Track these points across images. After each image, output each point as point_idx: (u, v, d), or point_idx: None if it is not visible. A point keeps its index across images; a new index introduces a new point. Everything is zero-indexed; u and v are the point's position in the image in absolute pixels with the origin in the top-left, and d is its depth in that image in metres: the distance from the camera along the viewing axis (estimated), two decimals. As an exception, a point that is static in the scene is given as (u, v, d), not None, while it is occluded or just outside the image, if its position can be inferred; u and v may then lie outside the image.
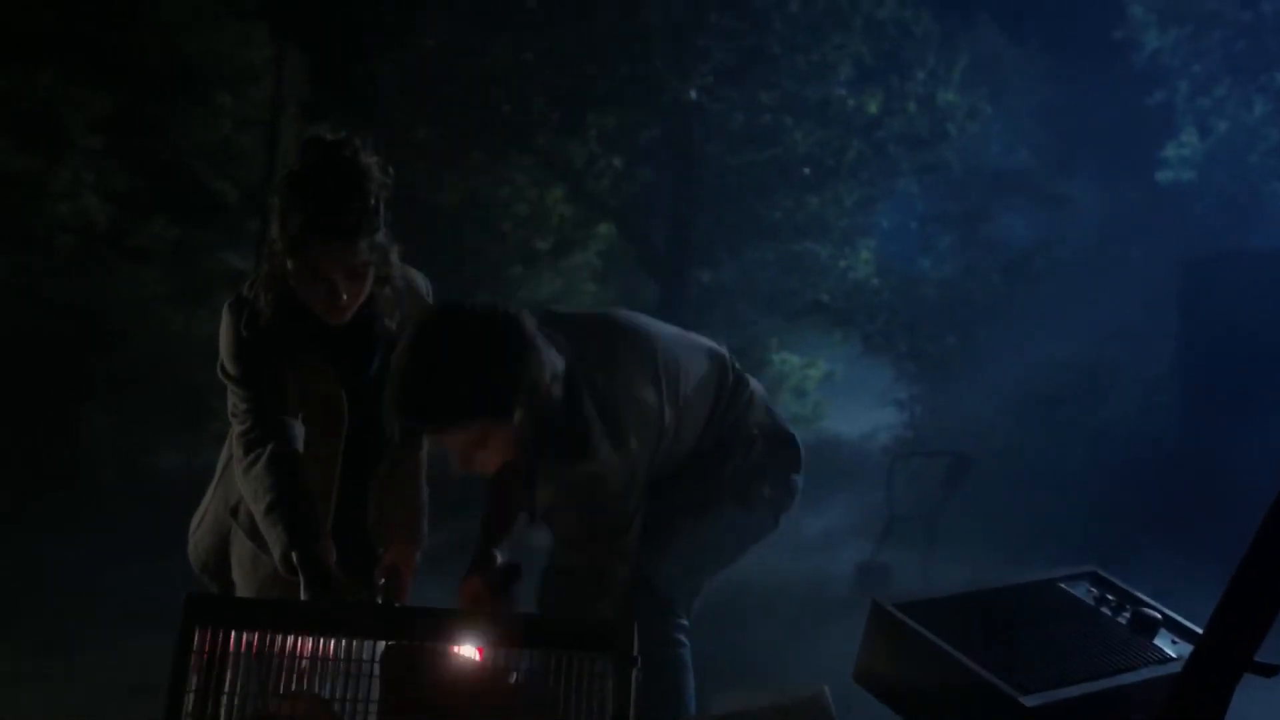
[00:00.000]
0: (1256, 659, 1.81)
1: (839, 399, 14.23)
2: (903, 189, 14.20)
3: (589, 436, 2.68)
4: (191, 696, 2.22)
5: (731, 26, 12.47)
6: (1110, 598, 2.59)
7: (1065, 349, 13.39)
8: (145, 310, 11.51)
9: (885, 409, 14.51)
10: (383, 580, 2.82)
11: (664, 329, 2.93)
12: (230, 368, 2.79)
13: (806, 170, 12.96)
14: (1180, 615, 2.56)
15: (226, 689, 2.24)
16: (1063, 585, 2.62)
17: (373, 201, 2.67)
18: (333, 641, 2.26)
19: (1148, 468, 10.01)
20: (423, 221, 10.82)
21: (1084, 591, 2.62)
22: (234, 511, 2.88)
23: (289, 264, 2.67)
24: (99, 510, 9.73)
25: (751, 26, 12.53)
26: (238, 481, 2.77)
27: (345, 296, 2.69)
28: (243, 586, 2.88)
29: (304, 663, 2.25)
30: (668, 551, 2.78)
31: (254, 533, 2.78)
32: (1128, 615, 2.53)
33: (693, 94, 12.50)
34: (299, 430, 2.76)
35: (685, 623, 2.80)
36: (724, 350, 3.01)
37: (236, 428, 2.79)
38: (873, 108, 12.94)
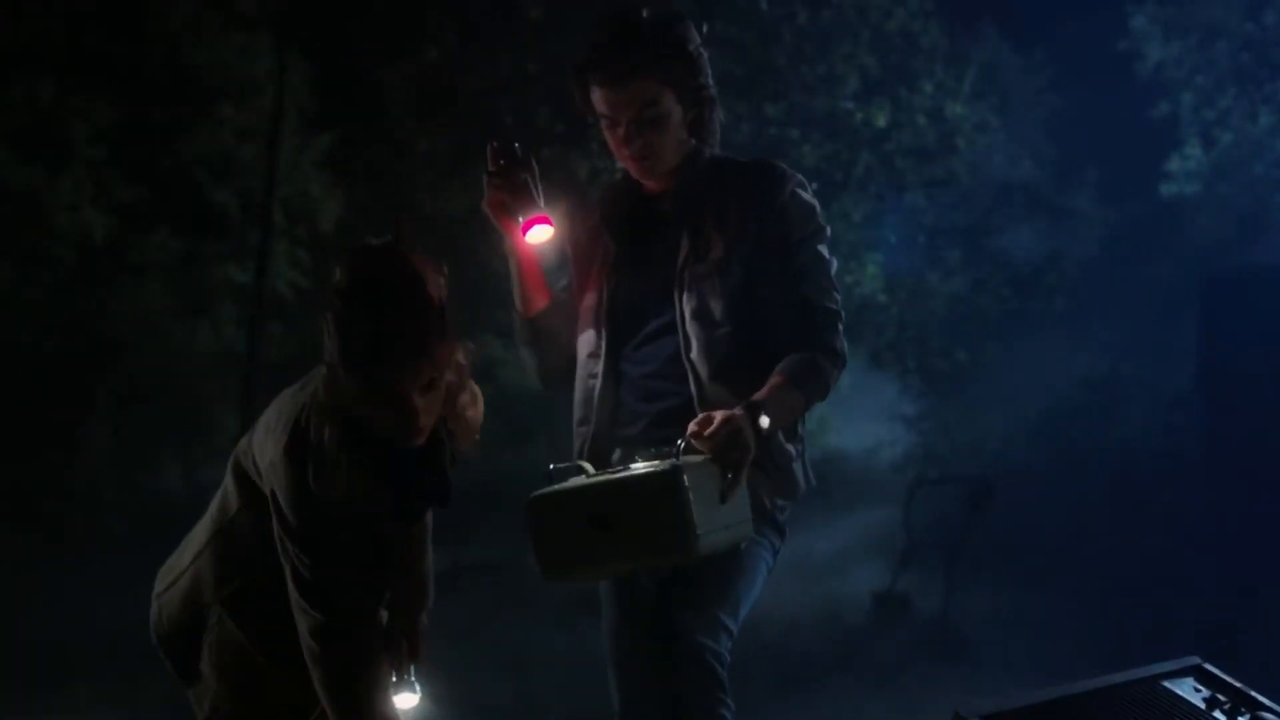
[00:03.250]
0: None
1: (844, 414, 14.10)
2: (910, 202, 14.08)
3: (777, 165, 2.83)
4: None
5: (737, 37, 12.34)
6: (1222, 698, 2.36)
7: (1078, 364, 13.31)
8: (146, 323, 11.40)
9: (891, 423, 14.42)
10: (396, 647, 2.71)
11: None
12: (296, 524, 2.47)
13: (814, 184, 12.79)
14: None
15: None
16: (1166, 684, 2.40)
17: (439, 306, 2.45)
18: None
19: (1170, 487, 9.90)
20: (426, 232, 10.72)
21: (1190, 690, 2.39)
22: (229, 602, 2.61)
23: (353, 388, 2.41)
24: (95, 530, 9.60)
25: (758, 37, 12.40)
26: (309, 662, 2.49)
27: (422, 415, 2.45)
28: (216, 683, 2.63)
29: None
30: (710, 611, 2.62)
31: (245, 619, 2.58)
32: (1245, 720, 2.33)
33: (698, 106, 12.35)
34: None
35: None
36: None
37: (307, 611, 2.47)
38: (880, 120, 12.81)
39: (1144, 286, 14.83)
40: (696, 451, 2.48)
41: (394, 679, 2.68)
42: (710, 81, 2.80)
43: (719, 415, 2.49)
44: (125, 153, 11.11)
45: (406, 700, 2.72)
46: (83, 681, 6.82)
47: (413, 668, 2.73)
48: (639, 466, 2.48)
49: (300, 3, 11.56)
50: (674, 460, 2.42)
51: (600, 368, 2.81)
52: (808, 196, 2.80)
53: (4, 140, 10.69)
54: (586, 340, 2.85)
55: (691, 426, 2.49)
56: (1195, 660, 2.48)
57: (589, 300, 2.86)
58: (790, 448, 2.75)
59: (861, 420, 14.26)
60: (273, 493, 2.51)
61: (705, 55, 2.79)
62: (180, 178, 11.44)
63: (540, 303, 2.88)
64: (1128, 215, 16.68)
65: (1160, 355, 12.70)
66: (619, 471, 2.49)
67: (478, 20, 12.15)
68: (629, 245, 2.85)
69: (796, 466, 2.77)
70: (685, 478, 2.37)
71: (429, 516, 2.81)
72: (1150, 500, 9.72)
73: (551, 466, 2.58)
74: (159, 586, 2.72)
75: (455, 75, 12.22)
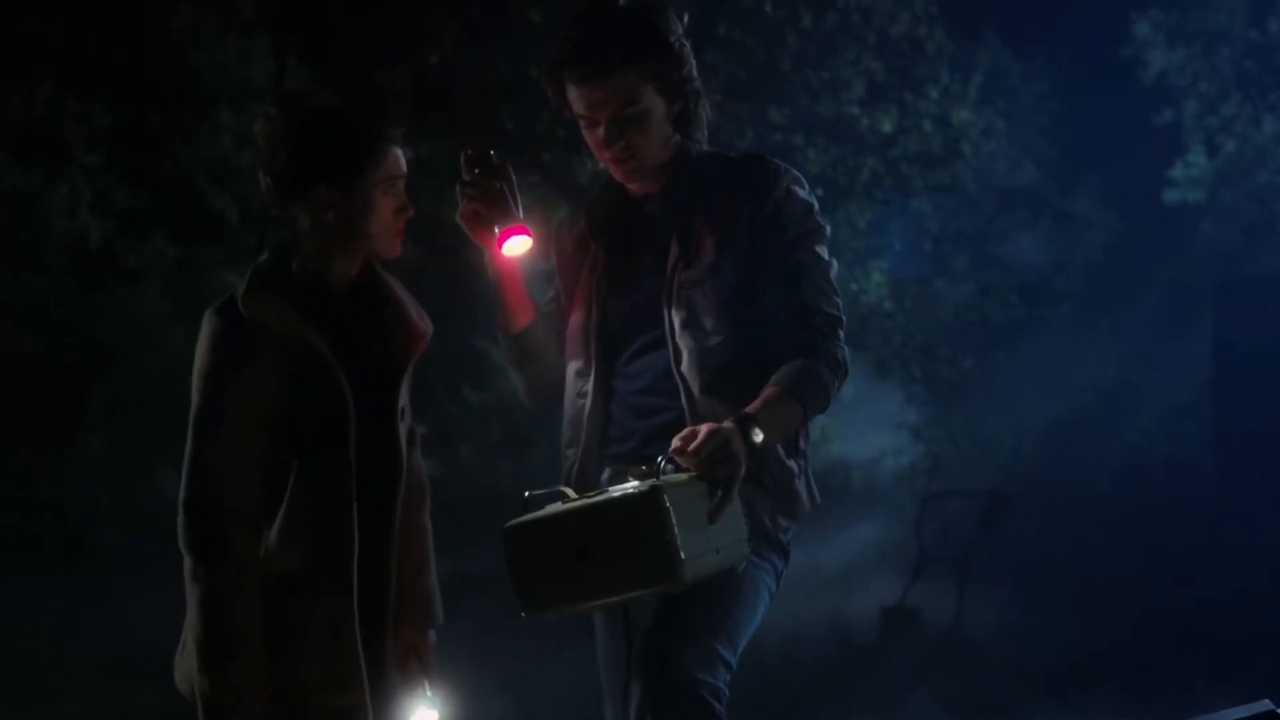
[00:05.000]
0: None
1: (848, 423, 14.03)
2: (915, 208, 14.02)
3: (769, 161, 2.64)
4: None
5: (741, 41, 12.24)
6: (1299, 745, 2.24)
7: (1086, 372, 13.25)
8: (143, 330, 11.32)
9: (897, 433, 14.36)
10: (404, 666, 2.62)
11: None
12: (203, 388, 2.43)
13: (819, 190, 12.75)
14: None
15: None
16: (1243, 731, 2.28)
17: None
18: None
19: (1181, 496, 9.80)
20: (426, 237, 10.63)
21: (1266, 737, 2.28)
22: None
23: (348, 201, 2.48)
24: (91, 540, 9.49)
25: (762, 41, 12.29)
26: (188, 589, 2.43)
27: (394, 213, 2.55)
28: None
29: None
30: (706, 642, 2.43)
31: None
32: (1328, 772, 2.18)
33: (701, 111, 12.27)
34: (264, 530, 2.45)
35: None
36: None
37: (183, 524, 2.42)
38: (886, 126, 12.71)
39: (1151, 293, 14.78)
40: (683, 469, 2.33)
41: (414, 696, 2.60)
42: (694, 73, 2.62)
43: (704, 428, 2.32)
44: (123, 158, 11.03)
45: (426, 718, 2.62)
46: (78, 693, 6.71)
47: (427, 684, 2.63)
48: (617, 489, 2.31)
49: (298, 6, 11.48)
50: (654, 480, 2.27)
51: (590, 385, 2.66)
52: (804, 194, 2.64)
53: (1, 144, 10.62)
54: (575, 356, 2.70)
55: (675, 441, 2.33)
56: (1267, 705, 2.33)
57: (577, 313, 2.71)
58: (792, 464, 2.59)
59: (866, 430, 14.18)
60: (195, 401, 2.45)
61: (688, 45, 2.62)
62: (178, 183, 11.36)
63: (524, 318, 2.72)
64: (1133, 222, 16.65)
65: (1169, 362, 12.64)
66: (597, 495, 2.32)
67: (477, 23, 12.06)
68: (617, 253, 2.69)
69: (799, 484, 2.61)
70: (666, 498, 2.20)
71: (426, 521, 2.70)
72: (1161, 510, 9.62)
73: (527, 494, 2.41)
74: (180, 674, 2.57)
75: (455, 79, 12.13)
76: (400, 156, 2.56)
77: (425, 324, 2.66)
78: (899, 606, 8.59)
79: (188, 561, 2.43)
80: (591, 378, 2.66)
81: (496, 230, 2.61)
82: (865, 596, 9.08)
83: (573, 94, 2.60)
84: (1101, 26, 16.44)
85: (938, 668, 7.38)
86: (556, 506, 2.36)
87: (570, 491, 2.43)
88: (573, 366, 2.71)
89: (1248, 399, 9.51)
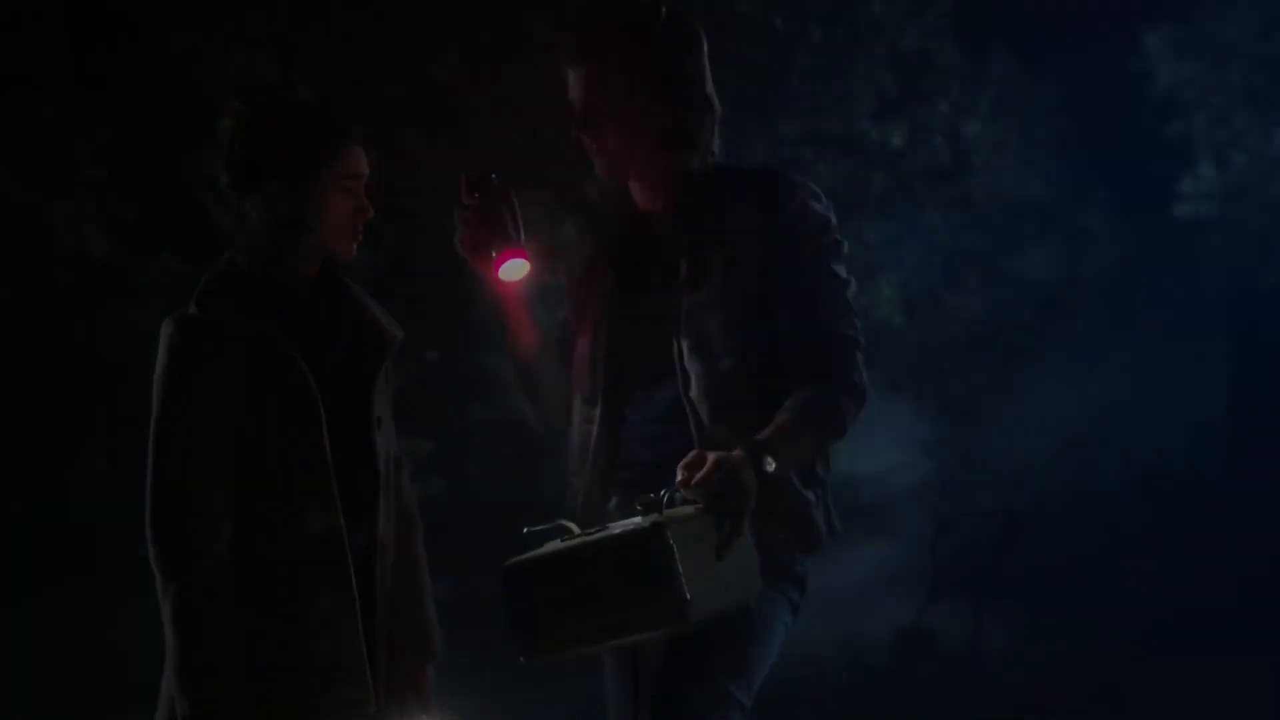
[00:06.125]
0: None
1: (857, 439, 13.97)
2: (926, 223, 13.99)
3: (784, 174, 2.54)
4: None
5: (750, 55, 12.21)
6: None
7: (1099, 388, 13.19)
8: (146, 346, 11.22)
9: (907, 449, 14.30)
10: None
11: None
12: (162, 398, 2.40)
13: (829, 206, 12.73)
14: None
15: None
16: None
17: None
18: None
19: (1199, 517, 9.71)
20: (432, 253, 10.59)
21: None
22: None
23: (302, 196, 2.43)
24: (90, 559, 9.42)
25: (771, 55, 12.26)
26: (161, 607, 2.37)
27: (355, 212, 2.52)
28: None
29: None
30: (718, 682, 2.37)
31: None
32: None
33: (709, 125, 12.26)
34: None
35: None
36: None
37: (150, 540, 2.37)
38: (896, 139, 12.67)
39: (1163, 308, 14.71)
40: (690, 501, 2.22)
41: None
42: (696, 90, 2.51)
43: (711, 458, 2.22)
44: (127, 173, 10.98)
45: None
46: (75, 710, 6.64)
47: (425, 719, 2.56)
48: (619, 525, 2.21)
49: (304, 22, 11.45)
50: (657, 515, 2.15)
51: (597, 411, 2.57)
52: (820, 208, 2.53)
53: (5, 159, 10.57)
54: (582, 382, 2.62)
55: (680, 472, 2.22)
56: None
57: (584, 338, 2.63)
58: (808, 493, 2.50)
59: (876, 445, 14.09)
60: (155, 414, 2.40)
61: (691, 60, 2.51)
62: (183, 199, 11.30)
63: (529, 345, 2.65)
64: (1143, 236, 16.60)
65: (1182, 377, 12.57)
66: (598, 532, 2.21)
67: (483, 38, 12.04)
68: (625, 275, 2.61)
69: (816, 514, 2.51)
70: (669, 534, 2.09)
71: (420, 549, 2.62)
72: (1178, 528, 9.55)
73: (526, 530, 2.31)
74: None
75: (461, 94, 12.11)
76: (362, 156, 2.51)
77: (394, 328, 2.60)
78: (914, 628, 8.49)
79: (159, 579, 2.36)
80: (598, 404, 2.58)
81: (494, 255, 2.52)
82: (879, 618, 8.98)
83: None
84: (1111, 39, 16.42)
85: (956, 690, 7.29)
86: (556, 545, 2.25)
87: (572, 526, 2.32)
88: (580, 392, 2.62)
89: (1265, 414, 9.45)
